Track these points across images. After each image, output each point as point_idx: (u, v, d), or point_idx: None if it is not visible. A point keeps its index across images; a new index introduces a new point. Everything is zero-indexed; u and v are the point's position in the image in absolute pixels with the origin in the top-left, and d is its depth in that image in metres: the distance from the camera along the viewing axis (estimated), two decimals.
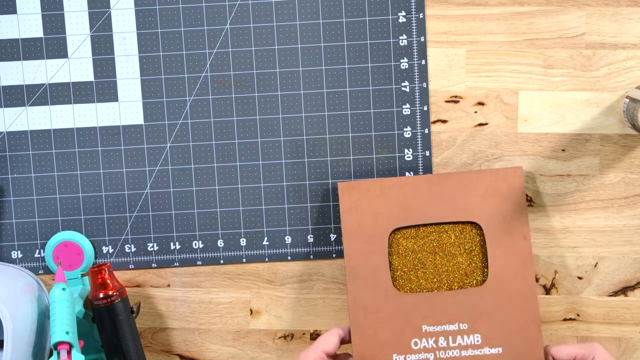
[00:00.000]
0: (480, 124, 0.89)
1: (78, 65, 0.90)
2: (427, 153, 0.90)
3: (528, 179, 0.90)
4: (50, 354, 0.81)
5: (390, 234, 0.74)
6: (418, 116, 0.90)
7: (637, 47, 0.88)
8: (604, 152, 0.89)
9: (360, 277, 0.74)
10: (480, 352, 0.74)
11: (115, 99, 0.90)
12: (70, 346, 0.81)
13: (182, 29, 0.89)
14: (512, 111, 0.89)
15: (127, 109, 0.90)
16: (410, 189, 0.75)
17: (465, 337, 0.74)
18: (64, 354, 0.80)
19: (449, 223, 0.75)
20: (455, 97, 0.89)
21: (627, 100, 0.86)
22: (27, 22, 0.89)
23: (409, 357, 0.74)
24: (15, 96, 0.90)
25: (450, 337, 0.74)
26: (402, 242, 0.74)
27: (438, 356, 0.74)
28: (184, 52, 0.89)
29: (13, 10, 0.89)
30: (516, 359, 0.74)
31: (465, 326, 0.74)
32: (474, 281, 0.74)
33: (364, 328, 0.73)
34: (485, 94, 0.89)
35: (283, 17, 0.89)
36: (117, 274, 0.91)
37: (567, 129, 0.89)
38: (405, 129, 0.90)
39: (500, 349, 0.74)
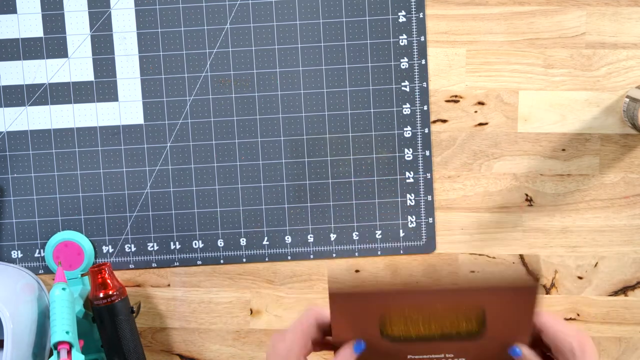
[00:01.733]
0: (480, 124, 0.89)
1: (78, 65, 0.90)
2: (427, 153, 0.90)
3: (528, 179, 0.90)
4: (50, 354, 0.81)
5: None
6: (418, 116, 0.89)
7: (637, 46, 0.88)
8: (604, 152, 0.89)
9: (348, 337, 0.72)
10: None
11: (115, 99, 0.90)
12: (71, 346, 0.81)
13: (182, 28, 0.89)
14: (512, 111, 0.89)
15: (127, 108, 0.90)
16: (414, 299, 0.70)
17: None
18: (64, 353, 0.80)
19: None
20: (455, 96, 0.89)
21: (627, 100, 0.86)
22: (27, 22, 0.89)
23: None
24: (15, 96, 0.90)
25: None
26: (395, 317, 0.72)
27: None
28: (184, 52, 0.89)
29: (13, 10, 0.89)
30: None
31: (451, 355, 0.74)
32: (467, 334, 0.73)
33: None
34: (485, 94, 0.89)
35: (283, 17, 0.89)
36: (117, 273, 0.91)
37: (567, 129, 0.89)
38: (405, 129, 0.90)
39: None
